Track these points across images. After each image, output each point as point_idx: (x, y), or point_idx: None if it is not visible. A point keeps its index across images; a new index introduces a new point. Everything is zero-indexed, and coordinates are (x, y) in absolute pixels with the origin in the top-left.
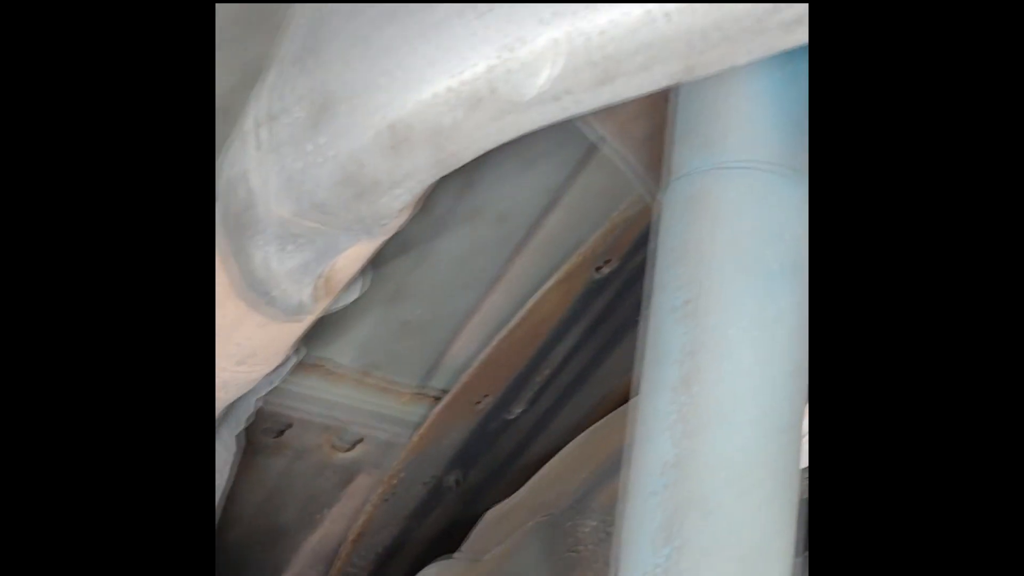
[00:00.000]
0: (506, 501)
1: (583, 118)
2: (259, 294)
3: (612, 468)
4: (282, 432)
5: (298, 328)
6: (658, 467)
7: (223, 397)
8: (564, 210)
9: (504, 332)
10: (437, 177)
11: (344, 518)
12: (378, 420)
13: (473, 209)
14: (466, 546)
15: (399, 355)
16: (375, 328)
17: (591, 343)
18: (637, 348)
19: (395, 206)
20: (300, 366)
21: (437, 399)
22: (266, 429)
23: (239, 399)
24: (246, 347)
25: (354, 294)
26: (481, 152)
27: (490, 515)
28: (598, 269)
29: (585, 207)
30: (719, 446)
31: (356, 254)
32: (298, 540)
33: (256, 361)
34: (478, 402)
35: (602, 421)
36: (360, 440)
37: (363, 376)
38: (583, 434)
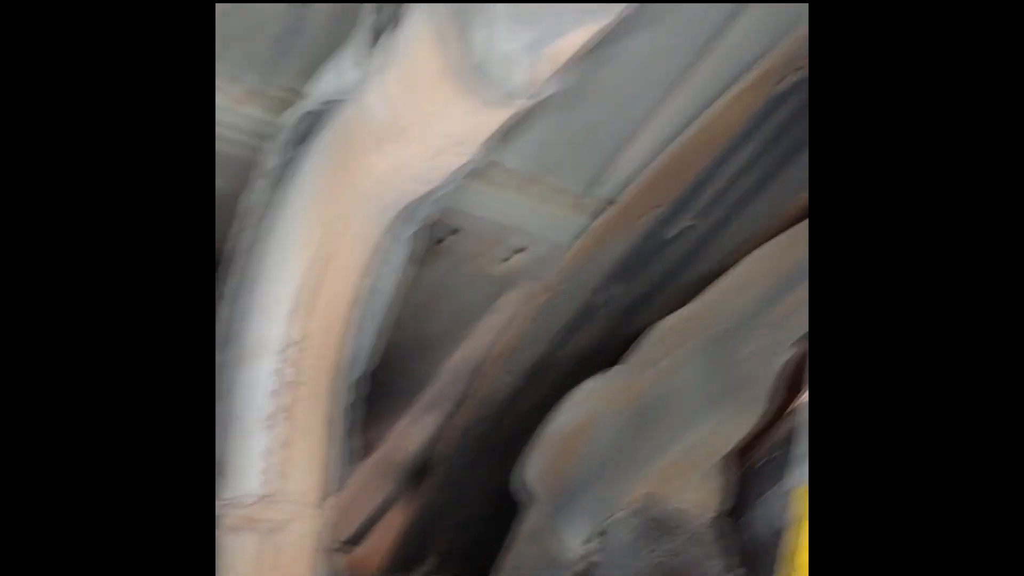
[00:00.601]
0: (675, 314)
1: None
2: (476, 76)
3: (787, 284)
4: (441, 240)
5: (502, 116)
6: None
7: (414, 189)
8: (749, 18)
9: (678, 143)
10: None
11: (495, 331)
12: (539, 229)
13: (657, 13)
14: (629, 358)
15: (568, 162)
16: (547, 132)
17: (765, 159)
18: None
19: None
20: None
21: (600, 211)
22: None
23: (421, 197)
24: (448, 135)
25: (554, 87)
26: None
27: (658, 328)
28: (778, 82)
29: (771, 17)
30: None
31: (574, 40)
32: (447, 351)
33: (454, 151)
34: (643, 215)
35: (779, 237)
36: (519, 251)
37: (529, 183)
38: (758, 249)
